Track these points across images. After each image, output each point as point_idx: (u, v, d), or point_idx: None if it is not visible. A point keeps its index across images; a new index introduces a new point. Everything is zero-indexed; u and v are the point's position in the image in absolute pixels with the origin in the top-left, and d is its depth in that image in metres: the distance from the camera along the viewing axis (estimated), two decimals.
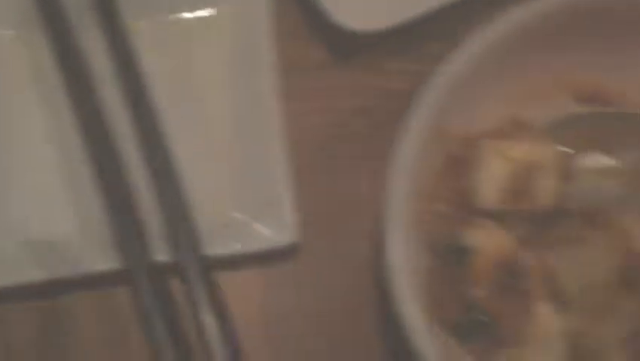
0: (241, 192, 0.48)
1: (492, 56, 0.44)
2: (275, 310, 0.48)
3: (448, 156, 0.45)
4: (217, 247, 0.45)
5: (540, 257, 0.43)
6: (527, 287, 0.43)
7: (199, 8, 0.51)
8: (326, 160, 0.50)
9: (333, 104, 0.51)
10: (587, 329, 0.42)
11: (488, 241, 0.43)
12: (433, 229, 0.44)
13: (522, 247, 0.44)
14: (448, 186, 0.45)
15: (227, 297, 0.47)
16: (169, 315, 0.43)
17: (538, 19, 0.45)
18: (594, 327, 0.42)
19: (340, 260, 0.46)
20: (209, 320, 0.42)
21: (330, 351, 0.47)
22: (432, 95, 0.41)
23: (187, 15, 0.52)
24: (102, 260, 0.45)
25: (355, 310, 0.47)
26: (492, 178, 0.44)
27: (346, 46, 0.52)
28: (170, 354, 0.42)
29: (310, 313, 0.48)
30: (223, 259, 0.46)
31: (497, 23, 0.44)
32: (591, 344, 0.42)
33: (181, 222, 0.45)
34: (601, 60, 0.47)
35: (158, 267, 0.45)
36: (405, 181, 0.40)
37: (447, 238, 0.44)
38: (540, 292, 0.43)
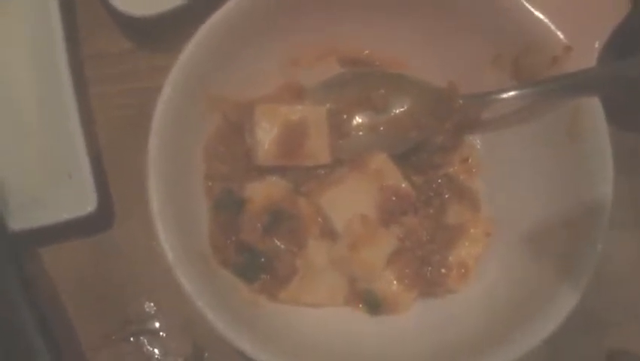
0: (46, 169, 0.52)
1: (252, 23, 0.47)
2: (98, 272, 0.53)
3: (224, 120, 0.50)
4: (28, 220, 0.50)
5: (313, 200, 0.49)
6: (298, 227, 0.48)
7: None
8: (132, 136, 0.53)
9: (136, 85, 0.56)
10: (353, 256, 0.47)
11: (261, 192, 0.48)
12: (216, 187, 0.49)
13: (298, 194, 0.49)
14: (227, 148, 0.49)
15: (55, 263, 0.53)
16: None
17: None
18: (358, 254, 0.47)
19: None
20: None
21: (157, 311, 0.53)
22: (183, 60, 0.45)
23: None
24: None
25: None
26: (266, 138, 0.48)
27: (143, 32, 0.57)
28: None
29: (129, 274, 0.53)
30: (41, 232, 0.50)
31: None
32: (359, 269, 0.48)
33: None
34: (361, 29, 0.51)
35: None
36: (165, 143, 0.44)
37: (227, 193, 0.49)
38: (311, 230, 0.48)
